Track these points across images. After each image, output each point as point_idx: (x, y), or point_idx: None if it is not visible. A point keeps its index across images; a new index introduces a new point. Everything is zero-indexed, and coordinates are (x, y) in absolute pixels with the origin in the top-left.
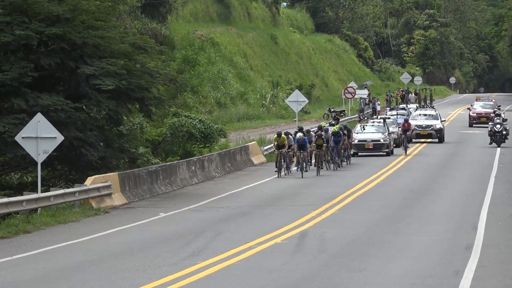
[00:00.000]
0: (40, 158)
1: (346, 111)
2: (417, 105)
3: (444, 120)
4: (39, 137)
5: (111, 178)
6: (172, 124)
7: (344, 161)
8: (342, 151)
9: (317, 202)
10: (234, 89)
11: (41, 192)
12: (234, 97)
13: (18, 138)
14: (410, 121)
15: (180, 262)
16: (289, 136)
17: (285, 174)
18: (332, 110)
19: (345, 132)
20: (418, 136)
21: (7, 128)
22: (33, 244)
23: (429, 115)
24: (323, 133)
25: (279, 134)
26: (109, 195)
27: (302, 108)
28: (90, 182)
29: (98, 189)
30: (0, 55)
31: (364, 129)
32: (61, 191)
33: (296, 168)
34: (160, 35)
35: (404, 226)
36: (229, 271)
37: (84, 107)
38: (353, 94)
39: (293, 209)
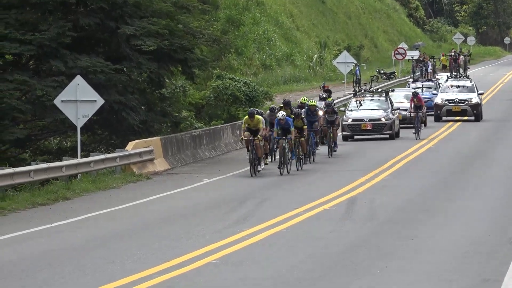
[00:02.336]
0: (79, 122)
1: (396, 73)
2: (448, 74)
3: (482, 93)
4: (79, 100)
5: (153, 142)
6: (216, 87)
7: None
8: (331, 135)
9: (366, 168)
10: (280, 50)
11: (81, 157)
12: (280, 58)
13: (57, 101)
14: (439, 94)
15: (225, 229)
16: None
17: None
18: (382, 71)
19: (335, 109)
20: (450, 113)
21: (45, 91)
22: (73, 211)
23: (463, 86)
24: (302, 111)
25: (251, 114)
26: (151, 160)
27: (351, 70)
28: (131, 147)
29: (139, 154)
30: (38, 15)
31: (360, 105)
32: (102, 156)
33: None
34: None
35: (456, 192)
36: (276, 238)
37: (124, 69)
38: (404, 55)
39: (341, 174)
